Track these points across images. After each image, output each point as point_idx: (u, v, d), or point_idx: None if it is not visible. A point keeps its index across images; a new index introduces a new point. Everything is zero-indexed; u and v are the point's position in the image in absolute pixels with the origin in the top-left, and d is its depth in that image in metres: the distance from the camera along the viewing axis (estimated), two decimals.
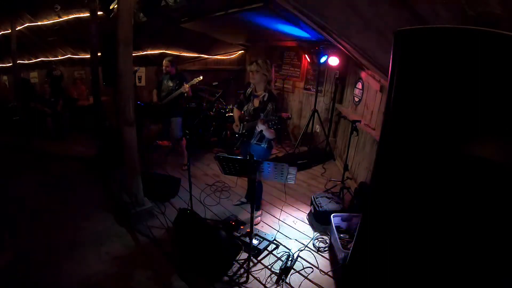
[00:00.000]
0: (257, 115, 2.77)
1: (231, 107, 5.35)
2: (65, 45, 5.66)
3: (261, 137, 2.82)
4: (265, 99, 2.76)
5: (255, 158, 2.03)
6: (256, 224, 3.02)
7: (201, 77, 4.15)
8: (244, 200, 3.49)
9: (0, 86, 5.95)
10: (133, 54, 2.72)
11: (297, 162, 4.55)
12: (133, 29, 2.63)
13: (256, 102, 2.85)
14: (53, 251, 2.50)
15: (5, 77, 6.43)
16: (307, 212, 3.31)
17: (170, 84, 4.09)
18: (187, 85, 3.96)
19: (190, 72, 6.54)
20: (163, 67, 4.10)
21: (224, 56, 7.05)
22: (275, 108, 2.70)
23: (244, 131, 2.90)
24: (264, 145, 2.86)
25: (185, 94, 4.00)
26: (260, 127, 2.65)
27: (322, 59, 4.60)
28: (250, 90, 2.93)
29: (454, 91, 1.32)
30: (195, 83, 4.10)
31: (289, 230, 3.00)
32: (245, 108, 2.95)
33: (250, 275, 2.32)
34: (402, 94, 1.49)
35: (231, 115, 5.11)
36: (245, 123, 2.91)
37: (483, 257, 1.38)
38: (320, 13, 2.29)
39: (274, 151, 5.07)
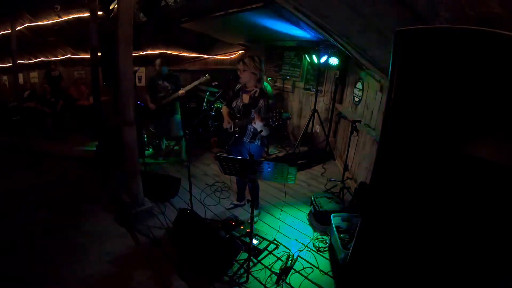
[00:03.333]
0: (248, 112, 2.69)
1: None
2: (65, 45, 5.67)
3: (254, 134, 2.75)
4: (256, 94, 2.67)
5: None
6: (255, 223, 3.02)
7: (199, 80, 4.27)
8: (236, 202, 3.41)
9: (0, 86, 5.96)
10: (133, 54, 2.72)
11: (297, 162, 4.55)
12: (133, 29, 2.63)
13: (246, 98, 2.75)
14: (53, 251, 2.51)
15: (5, 77, 6.43)
16: (307, 212, 3.31)
17: (167, 84, 4.19)
18: (183, 91, 4.12)
19: (190, 72, 6.56)
20: (157, 66, 4.15)
21: (224, 56, 7.05)
22: (268, 104, 2.60)
23: (236, 129, 2.81)
24: (257, 142, 2.81)
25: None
26: (258, 124, 2.56)
27: (322, 59, 4.60)
28: (239, 86, 2.81)
29: (454, 91, 1.32)
30: (190, 88, 4.23)
31: (289, 230, 2.99)
32: (233, 104, 2.81)
33: (250, 275, 2.32)
34: (402, 94, 1.49)
35: None
36: (236, 121, 2.80)
37: (483, 257, 1.38)
38: (320, 13, 2.29)
39: (274, 151, 5.10)
